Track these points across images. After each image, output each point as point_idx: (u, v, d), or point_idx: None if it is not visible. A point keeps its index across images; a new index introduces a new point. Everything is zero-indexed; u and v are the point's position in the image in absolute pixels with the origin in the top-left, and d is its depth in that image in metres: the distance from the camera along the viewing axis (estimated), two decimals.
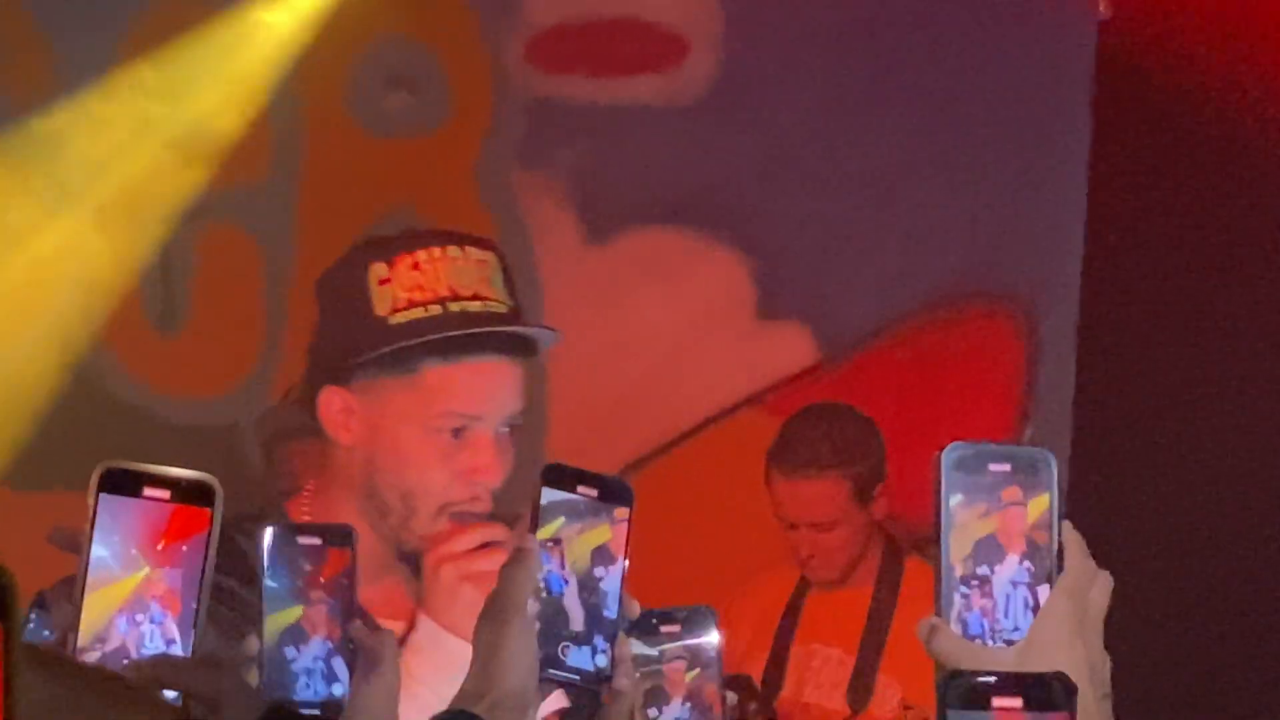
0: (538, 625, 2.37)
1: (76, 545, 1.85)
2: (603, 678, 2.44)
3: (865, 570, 5.31)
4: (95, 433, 6.27)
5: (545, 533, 2.40)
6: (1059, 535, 2.13)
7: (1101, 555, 2.10)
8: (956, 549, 2.17)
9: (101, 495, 1.78)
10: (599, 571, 2.44)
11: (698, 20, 6.91)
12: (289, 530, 2.46)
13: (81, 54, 6.52)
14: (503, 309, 3.19)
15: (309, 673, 2.40)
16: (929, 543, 5.96)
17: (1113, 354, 6.52)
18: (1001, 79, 6.59)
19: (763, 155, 6.74)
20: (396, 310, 3.13)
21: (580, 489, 2.43)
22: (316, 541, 2.43)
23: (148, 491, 1.80)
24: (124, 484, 1.80)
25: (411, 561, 3.06)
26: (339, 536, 2.46)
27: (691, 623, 2.54)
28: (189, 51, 6.52)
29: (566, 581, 2.40)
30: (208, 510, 1.85)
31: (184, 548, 1.97)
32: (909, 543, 5.39)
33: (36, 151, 6.38)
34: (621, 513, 2.44)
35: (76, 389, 6.37)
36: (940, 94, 6.67)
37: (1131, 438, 6.27)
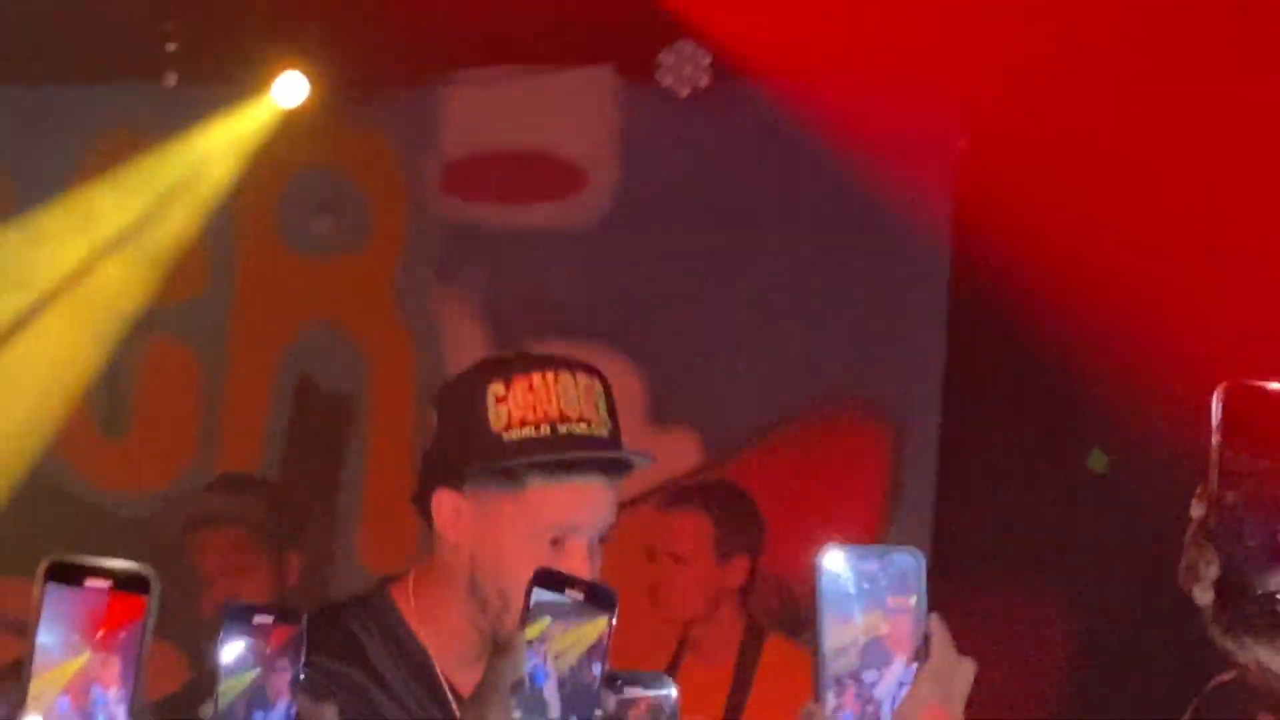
0: (518, 715, 2.48)
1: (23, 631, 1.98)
2: None
3: (728, 645, 5.52)
4: (45, 525, 6.59)
5: (533, 631, 2.48)
6: (925, 627, 2.23)
7: (961, 647, 2.24)
8: (834, 646, 2.28)
9: (47, 585, 1.89)
10: (582, 669, 2.51)
11: (596, 154, 7.30)
12: (247, 609, 2.53)
13: (36, 179, 6.96)
14: (604, 433, 3.28)
15: None
16: (793, 623, 6.17)
17: (972, 458, 6.74)
18: (869, 216, 6.80)
19: (653, 276, 7.09)
20: (510, 427, 3.24)
21: (568, 591, 2.51)
22: (269, 619, 2.51)
23: (89, 582, 1.90)
24: (67, 575, 1.90)
25: None
26: (290, 615, 2.55)
27: (651, 684, 2.66)
28: (137, 178, 6.93)
29: (548, 675, 2.47)
30: (144, 598, 1.95)
31: (122, 633, 2.06)
32: (771, 622, 5.66)
33: None
34: (605, 616, 2.51)
35: (30, 485, 6.72)
36: (817, 223, 7.01)
37: (987, 536, 6.47)
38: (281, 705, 2.46)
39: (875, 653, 2.24)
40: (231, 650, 2.44)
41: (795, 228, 7.04)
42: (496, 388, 3.26)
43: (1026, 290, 6.24)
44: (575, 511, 3.22)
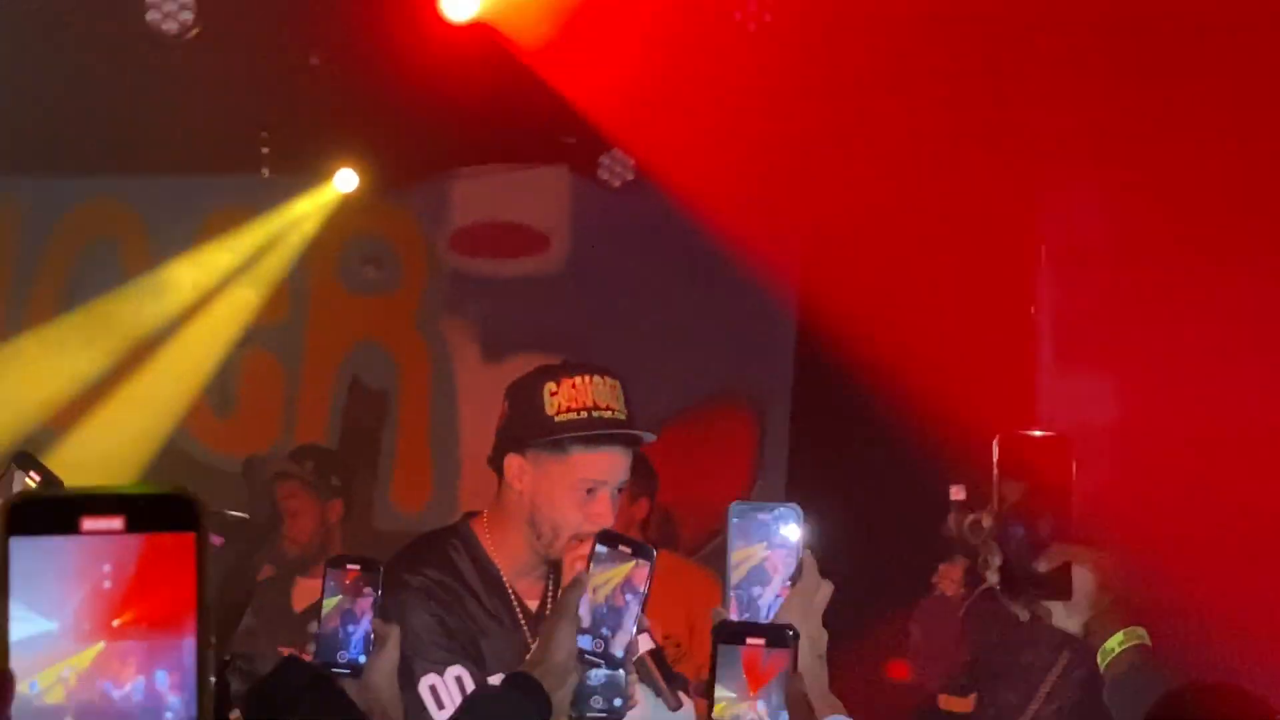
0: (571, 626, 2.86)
1: None
2: (614, 662, 2.95)
3: None
4: (173, 478, 6.64)
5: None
6: (799, 558, 2.49)
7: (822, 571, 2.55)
8: (733, 566, 2.55)
9: None
10: (615, 597, 2.91)
11: (555, 226, 8.48)
12: (341, 559, 3.05)
13: (171, 242, 8.16)
14: (623, 417, 3.57)
15: (360, 642, 2.92)
16: (673, 543, 7.13)
17: (813, 437, 7.74)
18: (741, 273, 7.61)
19: (595, 310, 8.17)
20: (560, 413, 3.55)
21: (621, 546, 2.93)
22: (355, 566, 3.02)
23: None
24: None
25: (550, 565, 3.50)
26: (368, 564, 3.03)
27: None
28: (241, 241, 8.17)
29: (586, 600, 2.91)
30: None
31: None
32: (659, 543, 5.71)
33: (142, 301, 8.03)
34: (642, 562, 2.92)
35: (165, 449, 7.92)
36: (707, 277, 7.96)
37: (825, 491, 6.57)
38: (365, 621, 2.99)
39: (761, 574, 2.52)
40: (329, 583, 2.98)
41: (693, 279, 8.10)
42: (550, 385, 3.58)
43: (849, 326, 6.86)
44: (602, 471, 3.55)
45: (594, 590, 2.93)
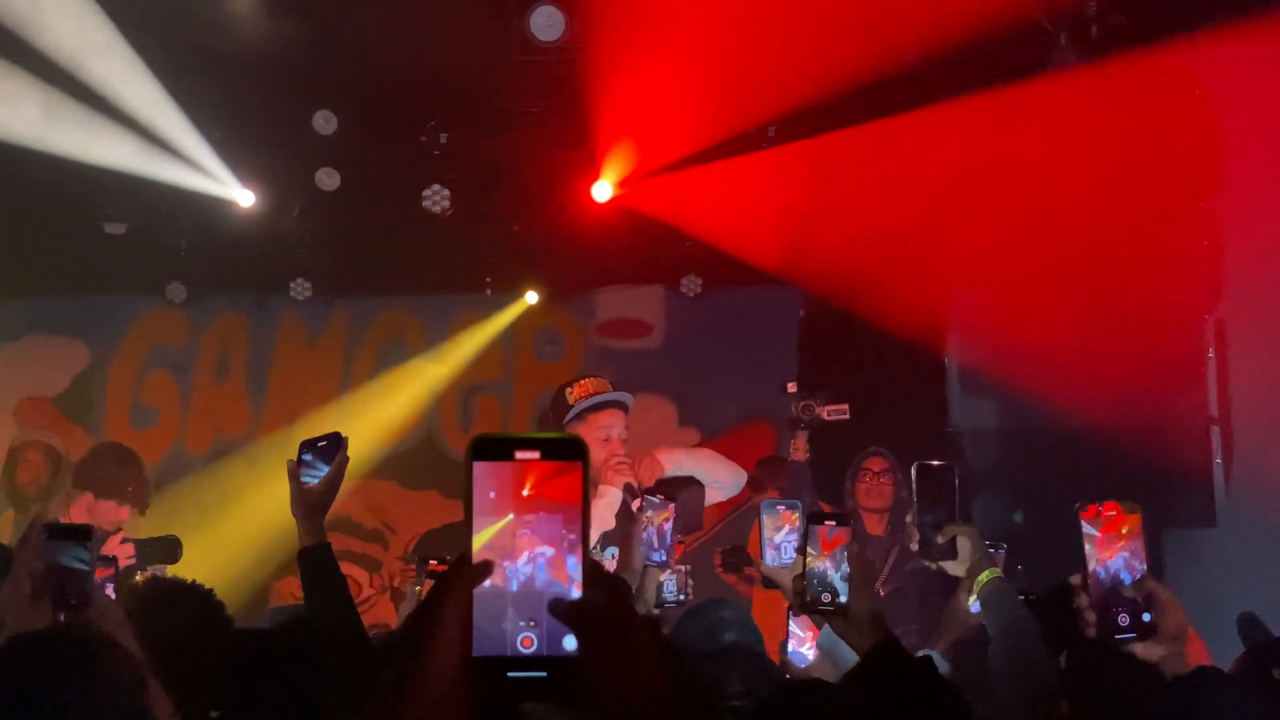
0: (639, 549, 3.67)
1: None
2: (662, 564, 3.67)
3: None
4: (432, 467, 9.60)
5: (646, 515, 3.59)
6: (804, 528, 2.91)
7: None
8: (768, 537, 3.34)
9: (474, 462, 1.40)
10: (662, 526, 3.63)
11: (656, 318, 10.31)
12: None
13: (436, 331, 9.98)
14: (612, 391, 4.60)
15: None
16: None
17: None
18: (768, 340, 9.20)
19: (680, 368, 10.02)
20: (576, 400, 4.55)
21: (659, 496, 3.74)
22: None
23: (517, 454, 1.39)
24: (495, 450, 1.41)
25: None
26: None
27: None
28: (475, 333, 10.18)
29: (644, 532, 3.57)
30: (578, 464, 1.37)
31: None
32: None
33: (421, 368, 9.93)
34: (670, 505, 3.66)
35: (427, 447, 9.90)
36: (749, 350, 9.41)
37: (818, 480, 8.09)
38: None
39: (788, 538, 3.28)
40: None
41: (744, 352, 9.80)
42: (568, 389, 4.63)
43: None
44: (608, 422, 4.51)
45: (646, 523, 3.62)
